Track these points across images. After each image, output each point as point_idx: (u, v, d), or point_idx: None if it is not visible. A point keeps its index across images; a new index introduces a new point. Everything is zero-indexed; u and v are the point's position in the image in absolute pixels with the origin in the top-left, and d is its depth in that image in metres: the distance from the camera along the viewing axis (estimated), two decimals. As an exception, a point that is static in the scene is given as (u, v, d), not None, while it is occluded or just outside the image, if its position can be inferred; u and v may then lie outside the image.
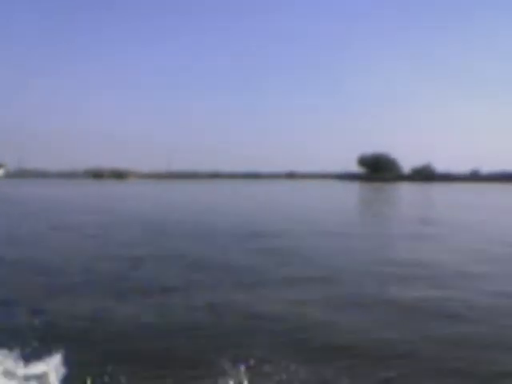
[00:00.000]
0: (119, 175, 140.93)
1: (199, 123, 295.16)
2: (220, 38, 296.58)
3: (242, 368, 4.72)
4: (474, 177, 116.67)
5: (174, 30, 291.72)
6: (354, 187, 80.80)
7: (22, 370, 3.94)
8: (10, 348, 4.36)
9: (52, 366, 4.01)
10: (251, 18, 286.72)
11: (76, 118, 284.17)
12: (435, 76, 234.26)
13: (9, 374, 3.79)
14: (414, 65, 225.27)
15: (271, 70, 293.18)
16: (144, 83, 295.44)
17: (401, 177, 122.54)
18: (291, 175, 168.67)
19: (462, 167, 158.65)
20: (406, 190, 71.24)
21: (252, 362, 4.97)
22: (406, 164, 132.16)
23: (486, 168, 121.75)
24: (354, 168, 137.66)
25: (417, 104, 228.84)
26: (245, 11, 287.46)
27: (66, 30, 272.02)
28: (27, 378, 3.85)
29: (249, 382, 4.51)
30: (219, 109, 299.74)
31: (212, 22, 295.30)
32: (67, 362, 4.18)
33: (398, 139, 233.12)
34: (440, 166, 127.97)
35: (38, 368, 3.98)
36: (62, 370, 4.07)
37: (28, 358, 4.22)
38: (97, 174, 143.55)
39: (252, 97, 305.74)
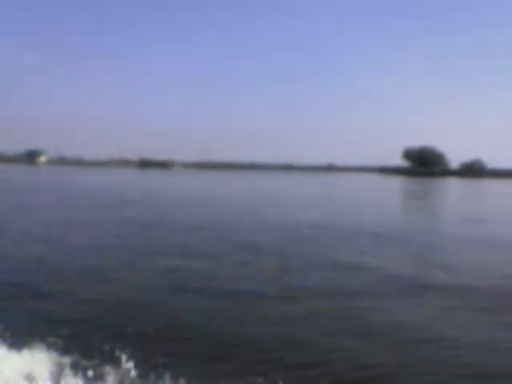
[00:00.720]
0: (164, 164, 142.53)
1: (237, 113, 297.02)
2: (260, 36, 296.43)
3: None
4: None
5: (210, 23, 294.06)
6: (402, 182, 78.30)
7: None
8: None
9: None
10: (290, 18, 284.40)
11: (117, 107, 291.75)
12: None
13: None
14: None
15: (309, 60, 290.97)
16: (183, 73, 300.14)
17: (448, 172, 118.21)
18: (330, 168, 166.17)
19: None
20: (457, 186, 68.44)
21: None
22: (453, 158, 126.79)
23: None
24: (394, 161, 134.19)
25: (466, 97, 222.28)
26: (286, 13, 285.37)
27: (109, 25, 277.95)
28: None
29: None
30: (257, 98, 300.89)
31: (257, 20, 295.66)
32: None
33: (442, 133, 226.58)
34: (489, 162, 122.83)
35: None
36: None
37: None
38: (143, 163, 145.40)
39: (290, 86, 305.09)
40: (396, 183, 74.11)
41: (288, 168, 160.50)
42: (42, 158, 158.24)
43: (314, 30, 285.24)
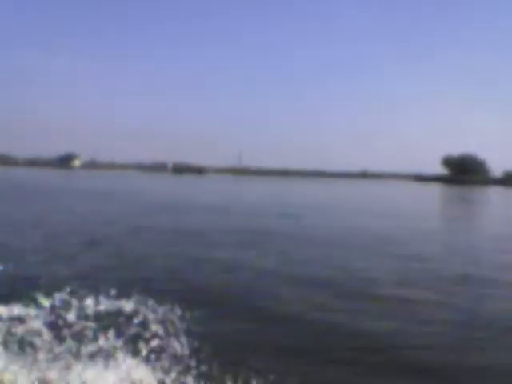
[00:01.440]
0: (199, 170, 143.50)
1: (267, 118, 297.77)
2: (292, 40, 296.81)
3: None
4: None
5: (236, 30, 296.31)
6: (444, 190, 76.08)
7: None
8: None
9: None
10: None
11: (146, 111, 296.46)
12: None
13: None
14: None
15: (340, 63, 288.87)
16: (217, 82, 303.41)
17: (490, 180, 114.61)
18: (364, 174, 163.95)
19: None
20: (501, 195, 65.85)
21: None
22: (495, 167, 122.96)
23: None
24: (428, 169, 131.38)
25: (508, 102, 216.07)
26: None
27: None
28: None
29: None
30: (287, 103, 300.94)
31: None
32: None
33: (482, 140, 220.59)
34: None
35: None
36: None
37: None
38: (177, 169, 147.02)
39: (322, 90, 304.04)
40: (438, 191, 72.03)
41: (321, 174, 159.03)
42: (77, 162, 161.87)
43: (346, 33, 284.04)
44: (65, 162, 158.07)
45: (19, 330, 3.93)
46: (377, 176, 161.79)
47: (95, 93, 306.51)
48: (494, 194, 70.03)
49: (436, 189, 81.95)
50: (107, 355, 4.06)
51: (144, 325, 4.18)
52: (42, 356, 3.96)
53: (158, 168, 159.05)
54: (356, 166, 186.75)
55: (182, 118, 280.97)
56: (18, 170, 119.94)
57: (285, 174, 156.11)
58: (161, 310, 4.30)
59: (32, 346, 3.97)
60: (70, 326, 3.99)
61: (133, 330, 4.12)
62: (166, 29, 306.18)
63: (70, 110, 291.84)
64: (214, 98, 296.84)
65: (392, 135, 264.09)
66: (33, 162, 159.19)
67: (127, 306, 4.13)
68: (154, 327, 4.14)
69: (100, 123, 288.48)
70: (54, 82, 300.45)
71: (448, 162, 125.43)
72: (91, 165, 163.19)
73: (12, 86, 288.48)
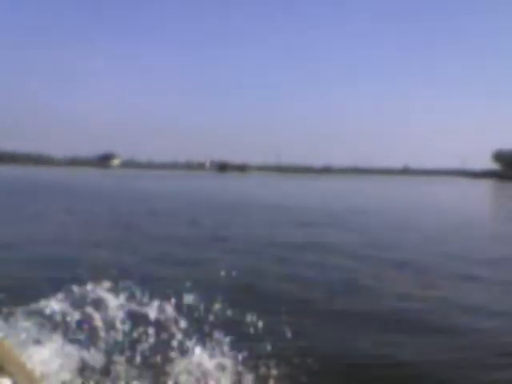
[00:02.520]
0: (242, 168, 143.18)
1: (305, 114, 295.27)
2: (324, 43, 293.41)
3: None
4: None
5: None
6: (499, 187, 72.56)
7: None
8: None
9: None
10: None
11: (181, 109, 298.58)
12: None
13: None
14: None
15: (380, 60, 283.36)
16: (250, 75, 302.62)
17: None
18: (405, 170, 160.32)
19: None
20: None
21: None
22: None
23: None
24: (472, 164, 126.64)
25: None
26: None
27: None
28: None
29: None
30: (329, 100, 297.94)
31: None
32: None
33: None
34: None
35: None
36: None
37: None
38: (222, 167, 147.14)
39: (357, 87, 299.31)
40: (493, 188, 68.77)
41: (361, 171, 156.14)
42: (116, 161, 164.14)
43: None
44: (104, 161, 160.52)
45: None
46: (418, 172, 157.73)
47: (132, 92, 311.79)
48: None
49: (490, 185, 78.61)
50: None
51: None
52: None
53: (196, 166, 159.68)
54: (396, 163, 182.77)
55: (215, 116, 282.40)
56: (58, 169, 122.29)
57: (326, 171, 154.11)
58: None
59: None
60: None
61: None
62: (195, 28, 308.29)
63: (107, 110, 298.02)
64: (250, 95, 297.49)
65: (433, 130, 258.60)
66: (72, 162, 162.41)
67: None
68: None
69: (137, 123, 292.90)
70: (90, 83, 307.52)
71: (500, 157, 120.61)
72: (129, 164, 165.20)
73: (51, 87, 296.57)
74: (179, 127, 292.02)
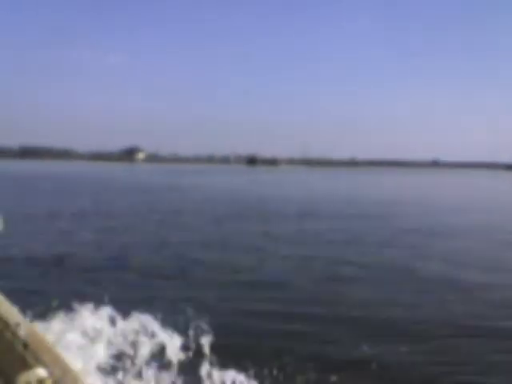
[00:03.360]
0: (273, 161, 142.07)
1: (334, 107, 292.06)
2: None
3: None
4: None
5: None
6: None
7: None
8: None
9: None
10: None
11: (199, 108, 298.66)
12: None
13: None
14: None
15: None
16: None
17: None
18: (435, 163, 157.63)
19: None
20: None
21: None
22: None
23: None
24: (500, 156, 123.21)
25: None
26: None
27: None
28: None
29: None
30: (355, 93, 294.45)
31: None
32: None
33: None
34: None
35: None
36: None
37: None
38: (251, 161, 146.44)
39: (392, 79, 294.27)
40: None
41: (390, 164, 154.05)
42: (140, 155, 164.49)
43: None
44: (129, 155, 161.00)
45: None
46: (449, 165, 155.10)
47: (152, 87, 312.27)
48: None
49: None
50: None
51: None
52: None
53: (222, 160, 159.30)
54: (425, 155, 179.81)
55: (242, 109, 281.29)
56: (83, 163, 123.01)
57: (353, 164, 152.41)
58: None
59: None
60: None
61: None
62: (218, 23, 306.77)
63: (128, 105, 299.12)
64: (275, 88, 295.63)
65: (465, 124, 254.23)
66: (97, 156, 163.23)
67: None
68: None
69: (160, 116, 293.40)
70: (112, 79, 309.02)
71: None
72: (154, 158, 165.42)
73: (73, 83, 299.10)
74: (203, 121, 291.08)
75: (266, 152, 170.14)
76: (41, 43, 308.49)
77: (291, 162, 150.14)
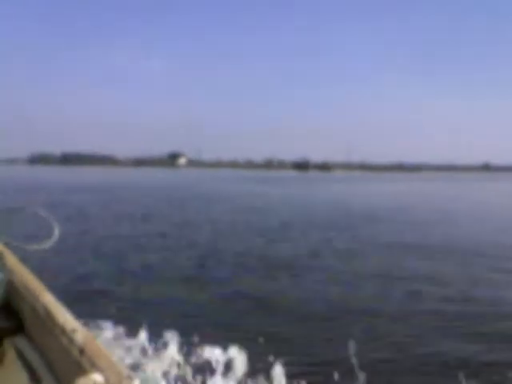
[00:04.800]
0: (325, 167, 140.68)
1: (380, 111, 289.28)
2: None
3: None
4: None
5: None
6: None
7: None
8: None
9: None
10: None
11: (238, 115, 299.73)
12: None
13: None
14: None
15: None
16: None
17: None
18: (486, 167, 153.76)
19: None
20: None
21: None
22: None
23: None
24: None
25: None
26: None
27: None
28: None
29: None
30: (405, 98, 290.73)
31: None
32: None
33: None
34: None
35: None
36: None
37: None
38: (302, 166, 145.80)
39: (443, 84, 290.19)
40: None
41: (438, 168, 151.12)
42: (183, 160, 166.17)
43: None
44: (171, 160, 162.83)
45: None
46: (500, 169, 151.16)
47: (196, 93, 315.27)
48: None
49: None
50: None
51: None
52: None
53: (263, 165, 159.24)
54: (476, 159, 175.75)
55: (284, 114, 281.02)
56: (126, 170, 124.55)
57: (400, 168, 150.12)
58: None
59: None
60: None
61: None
62: (250, 28, 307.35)
63: (167, 110, 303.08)
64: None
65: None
66: (139, 162, 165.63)
67: None
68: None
69: (201, 123, 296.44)
70: (153, 84, 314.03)
71: None
72: (196, 163, 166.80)
73: (113, 88, 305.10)
74: (239, 128, 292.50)
75: (308, 156, 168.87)
76: (76, 45, 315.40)
77: (345, 166, 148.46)
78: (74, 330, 1.74)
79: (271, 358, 3.44)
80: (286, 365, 3.29)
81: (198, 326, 5.39)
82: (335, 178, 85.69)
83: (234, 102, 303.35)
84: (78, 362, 1.58)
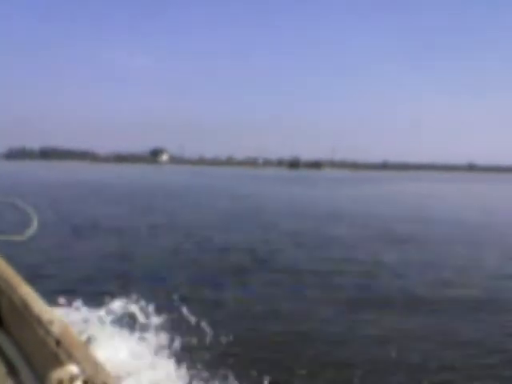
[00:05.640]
0: (316, 165, 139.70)
1: (367, 109, 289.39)
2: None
3: None
4: None
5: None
6: None
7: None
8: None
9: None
10: None
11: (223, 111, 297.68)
12: None
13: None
14: None
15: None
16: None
17: None
18: (471, 167, 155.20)
19: None
20: None
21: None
22: None
23: None
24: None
25: None
26: None
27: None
28: None
29: None
30: (387, 97, 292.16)
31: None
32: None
33: None
34: None
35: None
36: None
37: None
38: (293, 164, 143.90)
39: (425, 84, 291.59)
40: None
41: (421, 167, 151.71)
42: (165, 157, 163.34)
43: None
44: (153, 157, 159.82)
45: None
46: (485, 169, 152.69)
47: (180, 90, 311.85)
48: None
49: None
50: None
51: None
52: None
53: (249, 163, 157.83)
54: (460, 158, 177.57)
55: (268, 110, 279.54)
56: (108, 166, 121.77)
57: (384, 167, 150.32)
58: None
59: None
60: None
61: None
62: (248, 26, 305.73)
63: (151, 107, 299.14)
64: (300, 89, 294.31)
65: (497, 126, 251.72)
66: (120, 158, 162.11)
67: None
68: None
69: (183, 117, 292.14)
70: (136, 81, 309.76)
71: None
72: (178, 160, 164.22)
73: (96, 84, 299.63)
74: (226, 123, 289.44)
75: (290, 154, 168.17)
76: (58, 42, 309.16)
77: (334, 165, 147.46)
78: (50, 322, 1.73)
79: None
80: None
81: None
82: (341, 178, 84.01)
83: (220, 99, 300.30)
84: (54, 353, 1.59)
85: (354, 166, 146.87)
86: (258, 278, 8.26)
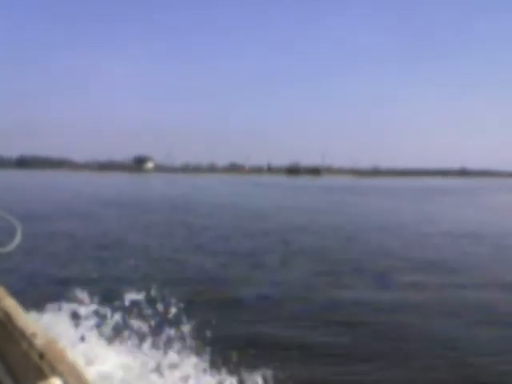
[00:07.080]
0: (315, 171, 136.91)
1: (355, 116, 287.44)
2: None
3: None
4: None
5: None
6: None
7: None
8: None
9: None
10: None
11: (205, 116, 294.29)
12: None
13: None
14: None
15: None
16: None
17: None
18: (463, 172, 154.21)
19: None
20: None
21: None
22: None
23: None
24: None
25: None
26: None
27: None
28: None
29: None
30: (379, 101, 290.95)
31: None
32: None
33: None
34: None
35: None
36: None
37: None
38: (292, 170, 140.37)
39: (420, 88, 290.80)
40: None
41: (413, 172, 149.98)
42: (150, 165, 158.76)
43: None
44: (138, 165, 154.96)
45: None
46: (477, 173, 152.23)
47: (161, 95, 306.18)
48: None
49: None
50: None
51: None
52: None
53: (235, 169, 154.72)
54: (452, 163, 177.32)
55: (251, 118, 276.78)
56: (89, 174, 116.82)
57: (375, 173, 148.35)
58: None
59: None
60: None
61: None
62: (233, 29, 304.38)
63: (134, 114, 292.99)
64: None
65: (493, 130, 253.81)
66: (103, 166, 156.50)
67: None
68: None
69: (169, 126, 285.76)
70: (117, 87, 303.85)
71: None
72: (164, 168, 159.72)
73: (76, 91, 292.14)
74: (209, 131, 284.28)
75: (279, 161, 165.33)
76: (37, 47, 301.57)
77: (331, 171, 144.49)
78: (34, 334, 1.69)
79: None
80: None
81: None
82: (357, 186, 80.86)
83: (207, 106, 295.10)
84: (37, 366, 1.57)
85: (352, 172, 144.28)
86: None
